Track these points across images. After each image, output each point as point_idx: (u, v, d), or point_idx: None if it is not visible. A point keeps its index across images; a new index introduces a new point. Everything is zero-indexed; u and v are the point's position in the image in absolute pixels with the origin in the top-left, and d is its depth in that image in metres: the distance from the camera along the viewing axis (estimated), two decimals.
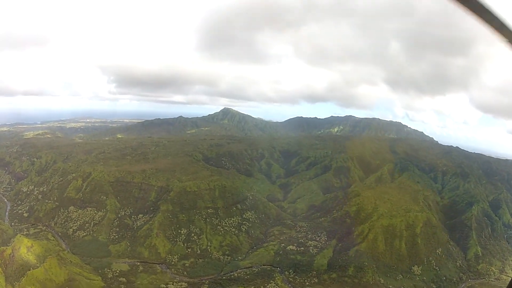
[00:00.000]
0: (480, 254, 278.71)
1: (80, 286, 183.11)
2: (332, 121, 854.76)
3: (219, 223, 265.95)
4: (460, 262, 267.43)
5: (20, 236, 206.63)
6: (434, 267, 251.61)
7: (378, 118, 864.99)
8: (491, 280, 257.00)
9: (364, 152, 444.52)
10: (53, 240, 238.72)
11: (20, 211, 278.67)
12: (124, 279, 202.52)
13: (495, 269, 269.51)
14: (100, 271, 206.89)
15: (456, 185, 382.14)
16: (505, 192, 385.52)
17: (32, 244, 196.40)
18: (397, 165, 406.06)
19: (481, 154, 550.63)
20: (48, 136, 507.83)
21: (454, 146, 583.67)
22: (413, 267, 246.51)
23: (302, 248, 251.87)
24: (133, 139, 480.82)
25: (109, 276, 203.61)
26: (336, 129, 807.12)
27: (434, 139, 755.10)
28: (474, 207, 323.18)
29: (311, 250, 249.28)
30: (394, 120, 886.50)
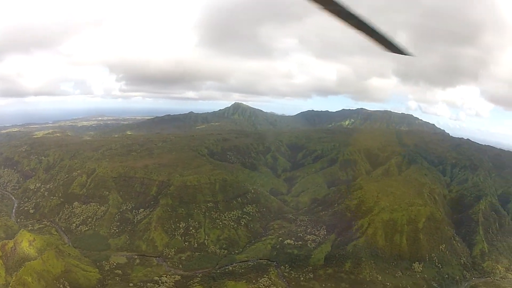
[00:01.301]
0: (486, 251, 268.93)
1: (77, 277, 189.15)
2: (344, 114, 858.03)
3: (218, 217, 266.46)
4: (464, 259, 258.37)
5: (23, 231, 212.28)
6: (437, 264, 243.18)
7: (390, 111, 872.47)
8: (496, 279, 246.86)
9: (373, 145, 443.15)
10: (56, 234, 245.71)
11: (26, 208, 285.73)
12: (120, 272, 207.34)
13: (501, 267, 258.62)
14: (98, 263, 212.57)
15: (465, 178, 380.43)
16: None
17: (34, 238, 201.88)
18: (405, 158, 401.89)
19: (491, 147, 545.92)
20: (58, 135, 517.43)
21: (465, 138, 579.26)
22: (413, 264, 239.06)
23: (300, 243, 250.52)
24: (142, 135, 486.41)
25: (106, 269, 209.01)
26: (347, 122, 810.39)
27: (446, 131, 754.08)
28: (481, 201, 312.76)
29: (309, 245, 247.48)
30: (407, 113, 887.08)
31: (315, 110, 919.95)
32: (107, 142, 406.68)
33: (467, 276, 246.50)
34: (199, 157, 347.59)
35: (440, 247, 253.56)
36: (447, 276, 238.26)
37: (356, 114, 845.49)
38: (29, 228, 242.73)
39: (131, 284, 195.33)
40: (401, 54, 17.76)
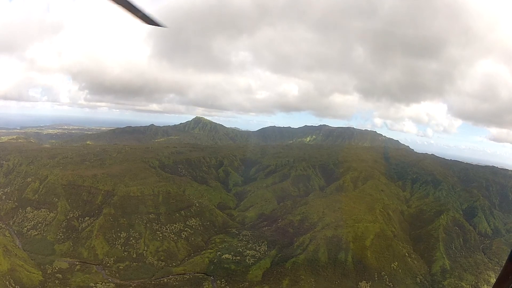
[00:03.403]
0: (448, 268, 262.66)
1: (21, 277, 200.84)
2: (306, 130, 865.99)
3: (159, 229, 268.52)
4: (421, 277, 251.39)
5: None
6: (387, 283, 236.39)
7: (353, 127, 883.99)
8: None
9: (328, 161, 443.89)
10: (9, 237, 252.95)
11: None
12: (60, 276, 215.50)
13: (466, 284, 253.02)
14: (42, 267, 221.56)
15: (426, 193, 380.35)
16: (481, 199, 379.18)
17: None
18: (361, 173, 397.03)
19: (458, 161, 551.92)
20: (20, 140, 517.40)
21: (430, 153, 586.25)
22: (360, 283, 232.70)
23: (238, 258, 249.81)
24: (99, 145, 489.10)
25: (48, 272, 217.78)
26: (308, 139, 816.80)
27: (412, 148, 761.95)
28: (442, 216, 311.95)
29: (247, 260, 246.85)
30: (370, 130, 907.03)
31: (277, 126, 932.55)
32: (65, 150, 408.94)
33: None
34: (149, 169, 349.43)
35: (392, 265, 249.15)
36: None
37: (319, 131, 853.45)
38: None
39: None
40: (156, 25, 18.60)
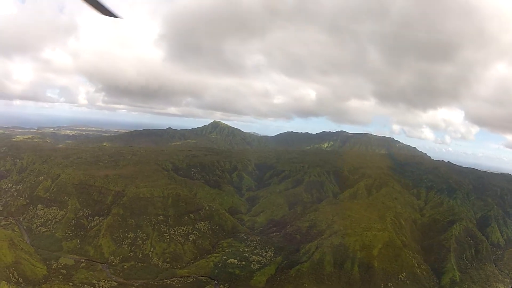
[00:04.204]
0: (458, 280, 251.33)
1: (25, 269, 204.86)
2: (323, 136, 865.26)
3: (167, 231, 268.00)
4: None
5: None
6: None
7: (370, 134, 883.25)
8: None
9: (343, 167, 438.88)
10: (18, 232, 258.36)
11: None
12: (65, 271, 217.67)
13: None
14: (47, 262, 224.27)
15: (440, 202, 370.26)
16: (495, 209, 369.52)
17: None
18: (376, 181, 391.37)
19: (474, 169, 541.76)
20: (36, 140, 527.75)
21: (446, 161, 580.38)
22: None
23: (244, 263, 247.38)
24: (115, 147, 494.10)
25: (53, 267, 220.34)
26: (326, 145, 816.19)
27: (429, 155, 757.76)
28: (455, 226, 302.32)
29: (252, 266, 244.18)
30: (388, 136, 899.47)
31: (294, 131, 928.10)
32: (79, 151, 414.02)
33: None
34: (161, 171, 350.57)
35: (400, 276, 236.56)
36: None
37: (336, 137, 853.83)
38: None
39: (70, 284, 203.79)
40: (111, 16, 18.52)
